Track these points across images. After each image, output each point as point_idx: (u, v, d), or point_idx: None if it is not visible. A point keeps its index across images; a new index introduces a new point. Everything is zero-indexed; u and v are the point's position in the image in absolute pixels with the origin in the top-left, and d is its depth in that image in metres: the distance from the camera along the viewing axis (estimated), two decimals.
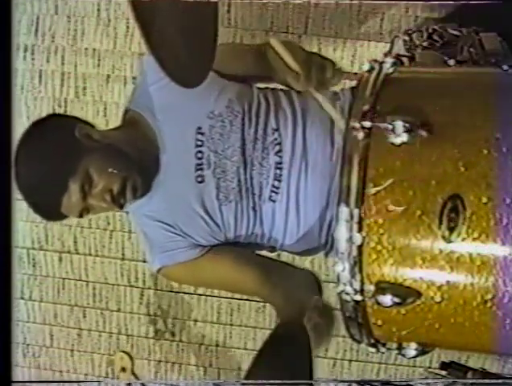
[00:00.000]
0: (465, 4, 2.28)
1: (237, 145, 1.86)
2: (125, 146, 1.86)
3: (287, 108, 1.89)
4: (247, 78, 1.96)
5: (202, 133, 1.87)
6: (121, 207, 1.84)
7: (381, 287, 1.50)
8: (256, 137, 1.86)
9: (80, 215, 1.84)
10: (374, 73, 1.63)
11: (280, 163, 1.85)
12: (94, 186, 1.81)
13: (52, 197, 1.80)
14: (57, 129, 1.87)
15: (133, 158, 1.85)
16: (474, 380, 1.80)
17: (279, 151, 1.86)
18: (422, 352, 1.61)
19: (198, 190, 1.85)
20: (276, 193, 1.85)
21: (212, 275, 1.92)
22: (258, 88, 1.95)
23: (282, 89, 1.95)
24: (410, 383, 1.95)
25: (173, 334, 3.28)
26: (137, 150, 1.87)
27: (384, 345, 1.65)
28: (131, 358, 3.29)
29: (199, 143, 1.86)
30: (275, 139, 1.86)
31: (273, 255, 2.01)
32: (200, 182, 1.85)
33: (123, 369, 3.28)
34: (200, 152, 1.86)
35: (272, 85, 1.97)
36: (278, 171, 1.85)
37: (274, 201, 1.85)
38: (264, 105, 1.90)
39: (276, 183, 1.85)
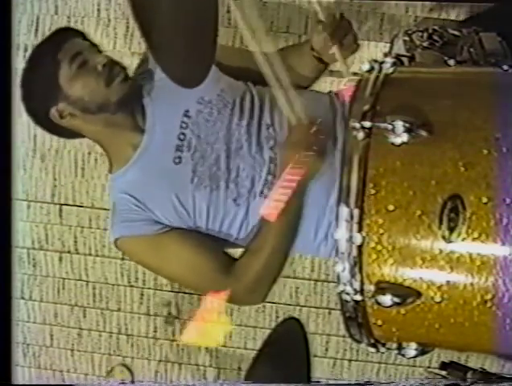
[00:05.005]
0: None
1: (221, 134, 1.87)
2: None
3: None
4: (243, 76, 1.96)
5: (189, 116, 1.88)
6: (111, 79, 1.84)
7: (381, 287, 1.50)
8: (249, 130, 1.87)
9: (72, 60, 1.85)
10: (374, 73, 1.63)
11: (275, 159, 1.85)
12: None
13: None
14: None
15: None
16: (474, 380, 1.80)
17: (273, 147, 1.86)
18: (422, 352, 1.61)
19: (173, 171, 1.86)
20: (269, 189, 1.85)
21: (169, 256, 1.87)
22: (254, 86, 1.95)
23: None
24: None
25: (173, 334, 3.28)
26: None
27: (384, 345, 1.65)
28: (131, 371, 3.28)
29: (183, 125, 1.88)
30: (269, 134, 1.87)
31: None
32: (177, 163, 1.86)
33: (123, 382, 3.27)
34: (183, 134, 1.87)
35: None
36: (272, 166, 1.85)
37: (265, 197, 1.85)
38: (258, 100, 1.91)
39: (270, 178, 1.85)
